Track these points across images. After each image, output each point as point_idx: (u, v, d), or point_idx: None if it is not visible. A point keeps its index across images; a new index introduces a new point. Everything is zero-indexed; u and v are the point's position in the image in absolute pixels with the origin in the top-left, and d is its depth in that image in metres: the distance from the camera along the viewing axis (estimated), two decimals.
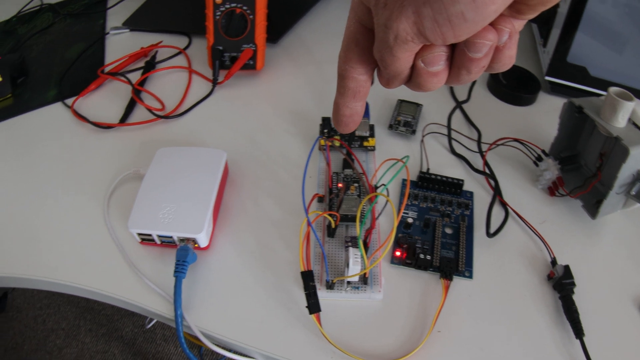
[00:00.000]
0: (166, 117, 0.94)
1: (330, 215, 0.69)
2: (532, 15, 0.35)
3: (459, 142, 0.85)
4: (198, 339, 0.67)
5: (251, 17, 0.93)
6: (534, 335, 0.64)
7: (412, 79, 0.38)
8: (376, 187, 0.73)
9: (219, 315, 0.67)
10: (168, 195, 0.73)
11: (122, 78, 1.03)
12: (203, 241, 0.70)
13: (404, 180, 0.80)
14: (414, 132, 0.85)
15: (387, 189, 0.69)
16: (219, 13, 0.94)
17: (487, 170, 0.80)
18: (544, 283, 0.68)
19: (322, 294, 0.65)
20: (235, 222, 0.77)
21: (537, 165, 0.79)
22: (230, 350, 0.66)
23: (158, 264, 0.73)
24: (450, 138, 0.85)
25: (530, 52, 1.04)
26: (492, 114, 0.90)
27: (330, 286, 0.66)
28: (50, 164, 0.89)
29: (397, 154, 0.83)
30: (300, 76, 1.00)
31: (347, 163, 0.78)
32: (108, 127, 0.94)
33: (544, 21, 0.98)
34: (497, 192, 0.77)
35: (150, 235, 0.71)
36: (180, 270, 0.67)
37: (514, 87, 0.92)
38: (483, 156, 0.82)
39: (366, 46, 0.39)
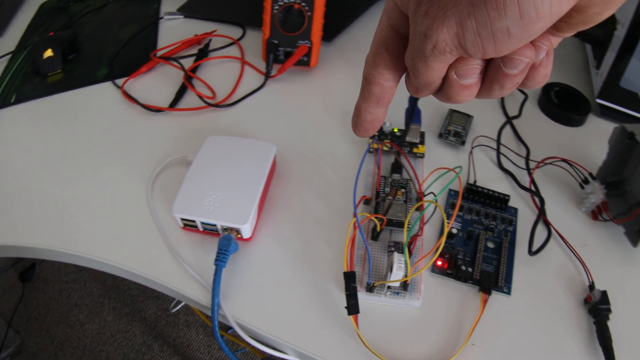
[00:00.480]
0: (216, 105, 0.94)
1: (376, 218, 0.69)
2: (570, 33, 0.34)
3: (507, 157, 0.84)
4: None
5: (309, 13, 0.93)
6: (566, 358, 0.63)
7: (443, 90, 0.37)
8: (424, 195, 0.73)
9: (255, 308, 0.68)
10: (215, 183, 0.73)
11: (175, 63, 1.04)
12: (246, 232, 0.71)
13: (451, 190, 0.79)
14: (463, 142, 0.85)
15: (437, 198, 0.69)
16: (277, 7, 0.94)
17: (533, 188, 0.79)
18: (579, 306, 0.67)
19: (362, 296, 0.65)
20: (279, 216, 0.77)
21: (582, 187, 0.78)
22: (262, 343, 0.66)
23: (198, 250, 0.73)
24: (498, 152, 0.84)
25: (582, 72, 1.03)
26: (541, 131, 0.89)
27: (370, 289, 0.66)
28: (97, 142, 0.91)
29: (445, 163, 0.83)
30: (353, 77, 1.00)
31: (396, 168, 0.78)
32: (157, 110, 0.94)
33: (600, 43, 0.97)
34: (542, 211, 0.76)
35: (193, 221, 0.71)
36: (221, 259, 0.68)
37: (564, 106, 0.91)
38: (530, 173, 0.81)
39: (396, 52, 0.39)
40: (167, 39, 1.13)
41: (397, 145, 0.81)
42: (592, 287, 0.68)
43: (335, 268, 0.71)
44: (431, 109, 0.92)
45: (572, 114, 0.90)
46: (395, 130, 0.83)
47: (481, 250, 0.71)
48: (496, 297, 0.68)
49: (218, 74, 1.03)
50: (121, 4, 1.27)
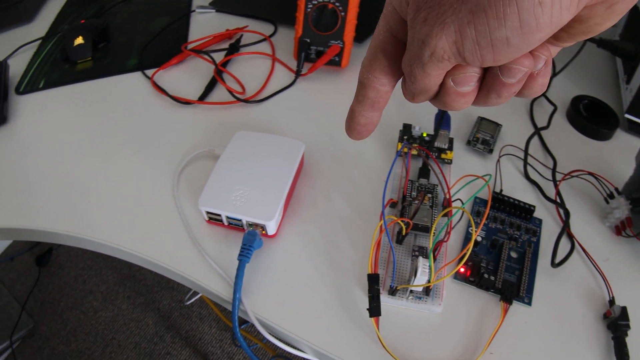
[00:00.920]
0: (246, 101, 0.94)
1: (402, 222, 0.69)
2: (570, 43, 0.34)
3: (534, 168, 0.84)
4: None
5: (342, 14, 0.93)
6: None
7: (439, 96, 0.37)
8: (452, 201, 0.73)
9: (276, 304, 0.68)
10: (242, 179, 0.73)
11: (206, 57, 1.04)
12: (271, 229, 0.71)
13: (476, 197, 0.79)
14: (491, 151, 0.84)
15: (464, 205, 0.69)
16: (310, 6, 0.94)
17: (558, 200, 0.79)
18: (599, 321, 0.67)
19: (384, 299, 0.65)
20: (304, 214, 0.77)
21: (607, 202, 0.78)
22: (280, 340, 0.66)
23: (222, 244, 0.74)
24: (526, 162, 0.84)
25: (612, 86, 1.02)
26: (569, 144, 0.89)
27: (392, 292, 0.66)
28: (124, 131, 0.91)
29: (472, 170, 0.82)
30: None
31: (423, 172, 0.78)
32: (186, 102, 0.95)
33: (631, 57, 0.96)
34: (567, 223, 0.76)
35: (219, 215, 0.72)
36: (245, 254, 0.68)
37: (593, 120, 0.91)
38: (556, 185, 0.81)
39: (393, 57, 0.38)
40: (198, 32, 1.14)
41: (427, 150, 0.81)
42: (612, 302, 0.68)
43: (358, 269, 0.71)
44: (460, 115, 0.91)
45: (600, 127, 0.90)
46: (424, 135, 0.83)
47: (504, 259, 0.71)
48: (517, 307, 0.68)
49: (248, 69, 1.03)
50: None
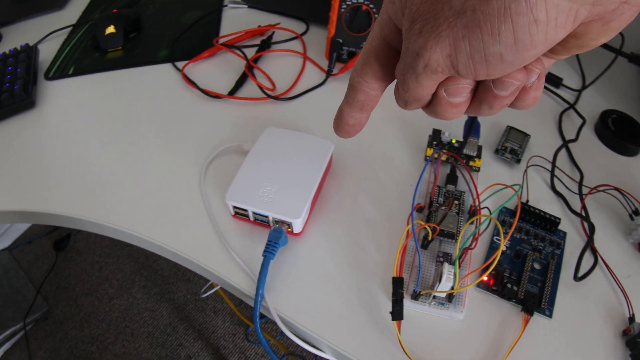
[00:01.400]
0: (276, 98, 0.95)
1: (429, 227, 0.69)
2: (565, 56, 0.34)
3: (560, 180, 0.83)
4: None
5: (376, 15, 0.93)
6: None
7: (431, 105, 0.37)
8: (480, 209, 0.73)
9: (298, 302, 0.68)
10: (270, 175, 0.74)
11: (237, 52, 1.04)
12: (298, 227, 0.71)
13: (503, 207, 0.79)
14: (518, 161, 0.84)
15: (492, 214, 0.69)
16: (344, 6, 0.94)
17: (583, 214, 0.79)
18: (617, 337, 0.67)
19: (406, 303, 0.65)
20: (331, 214, 0.77)
21: (632, 219, 0.78)
22: (300, 338, 0.67)
23: (246, 240, 0.74)
24: (552, 174, 0.83)
25: None
26: (596, 158, 0.89)
27: (415, 297, 0.66)
28: (152, 121, 0.92)
29: (499, 179, 0.82)
30: None
31: (451, 179, 0.78)
32: (216, 96, 0.95)
33: None
34: (591, 238, 0.75)
35: (245, 210, 0.72)
36: (270, 250, 0.68)
37: (621, 135, 0.90)
38: (582, 199, 0.80)
39: (385, 63, 0.39)
40: (229, 27, 1.14)
41: (453, 157, 0.81)
42: (632, 319, 0.67)
43: (382, 271, 0.71)
44: (489, 123, 0.91)
45: (628, 143, 0.89)
46: (454, 141, 0.83)
47: (527, 270, 0.71)
48: (537, 318, 0.67)
49: (279, 66, 1.04)
50: None
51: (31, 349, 1.88)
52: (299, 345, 0.66)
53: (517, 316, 0.67)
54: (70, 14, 1.23)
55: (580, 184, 0.83)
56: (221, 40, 1.08)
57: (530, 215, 0.76)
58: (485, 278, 0.69)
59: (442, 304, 0.66)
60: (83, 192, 0.81)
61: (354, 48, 0.98)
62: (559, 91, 0.99)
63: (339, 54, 0.99)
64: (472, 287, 0.70)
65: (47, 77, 1.04)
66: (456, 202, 0.74)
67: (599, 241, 0.76)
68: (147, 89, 0.99)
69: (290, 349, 1.61)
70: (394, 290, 0.63)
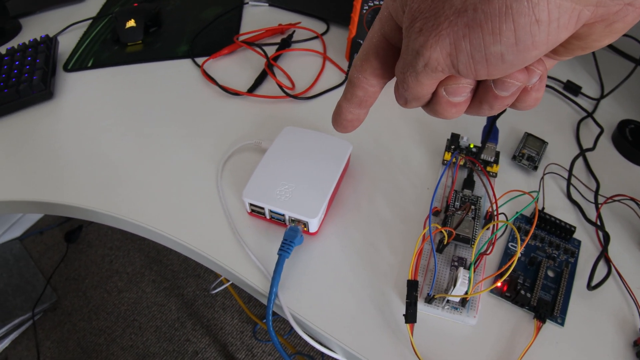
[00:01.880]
0: (295, 97, 0.95)
1: (446, 231, 0.69)
2: (567, 57, 0.34)
3: (576, 189, 0.83)
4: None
5: None
6: None
7: (431, 104, 0.37)
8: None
9: (311, 302, 0.68)
10: (288, 174, 0.74)
11: (258, 49, 1.05)
12: (314, 226, 0.71)
13: (519, 213, 0.79)
14: (535, 168, 0.84)
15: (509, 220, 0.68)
16: (366, 7, 0.94)
17: (599, 223, 0.78)
18: (628, 348, 0.66)
19: (420, 307, 0.65)
20: (346, 215, 0.77)
21: None
22: (312, 337, 0.67)
23: (262, 238, 0.74)
24: (569, 183, 0.83)
25: None
26: (612, 167, 0.88)
27: (429, 300, 0.65)
28: (170, 116, 0.92)
29: (515, 185, 0.82)
30: None
31: (468, 183, 0.78)
32: (235, 93, 0.95)
33: None
34: (605, 247, 0.75)
35: (262, 208, 0.72)
36: (285, 249, 0.68)
37: (638, 145, 0.90)
38: (598, 208, 0.80)
39: (385, 60, 0.39)
40: (250, 24, 1.14)
41: (472, 162, 0.81)
42: None
43: (396, 274, 0.71)
44: (507, 129, 0.91)
45: None
46: (472, 146, 0.83)
47: (541, 277, 0.70)
48: (549, 326, 0.67)
49: (298, 65, 1.04)
50: None
51: (39, 338, 1.89)
52: (307, 345, 0.67)
53: (529, 323, 0.67)
54: (91, 7, 1.24)
55: (597, 193, 0.82)
56: (241, 38, 1.08)
57: (545, 223, 0.75)
58: (499, 284, 0.69)
59: (456, 309, 0.66)
60: (98, 184, 0.81)
61: None
62: (578, 99, 0.99)
63: None
64: (485, 293, 0.70)
65: (66, 69, 1.04)
66: (472, 207, 0.74)
67: (613, 251, 0.76)
68: (166, 84, 0.99)
69: (297, 349, 1.61)
70: (408, 293, 0.62)
